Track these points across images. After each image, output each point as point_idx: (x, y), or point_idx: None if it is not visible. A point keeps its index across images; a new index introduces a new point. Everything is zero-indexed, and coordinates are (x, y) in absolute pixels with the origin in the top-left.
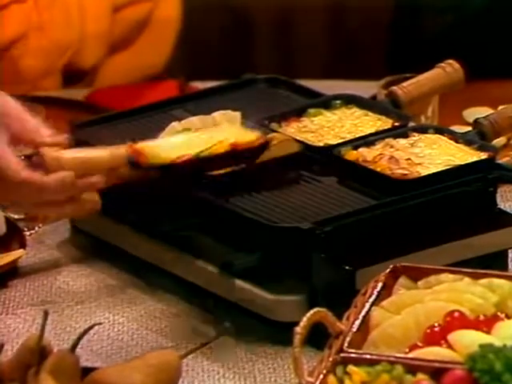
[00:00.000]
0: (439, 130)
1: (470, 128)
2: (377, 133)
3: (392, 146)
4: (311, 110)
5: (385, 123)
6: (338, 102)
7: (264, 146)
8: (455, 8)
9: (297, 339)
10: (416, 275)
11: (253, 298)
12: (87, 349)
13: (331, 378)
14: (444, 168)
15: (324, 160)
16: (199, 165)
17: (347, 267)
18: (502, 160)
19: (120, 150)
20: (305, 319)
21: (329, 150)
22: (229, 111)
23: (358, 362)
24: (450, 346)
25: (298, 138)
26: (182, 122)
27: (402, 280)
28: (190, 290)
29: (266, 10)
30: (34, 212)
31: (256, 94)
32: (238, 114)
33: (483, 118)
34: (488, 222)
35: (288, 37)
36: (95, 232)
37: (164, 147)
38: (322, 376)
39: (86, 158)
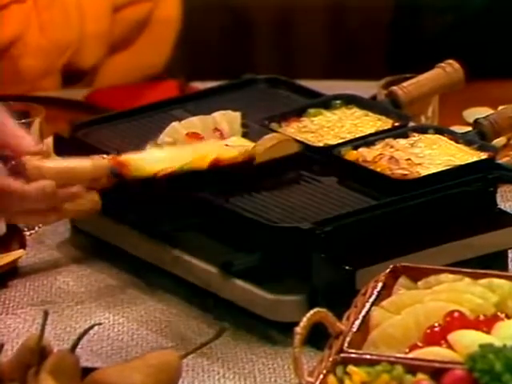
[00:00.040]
0: (439, 130)
1: (470, 128)
2: (377, 133)
3: (392, 146)
4: (311, 110)
5: (385, 123)
6: (338, 102)
7: (247, 163)
8: (455, 8)
9: (297, 339)
10: (416, 275)
11: (253, 298)
12: (87, 349)
13: (331, 378)
14: (444, 168)
15: (324, 160)
16: (181, 179)
17: (347, 267)
18: (502, 160)
19: (102, 161)
20: (305, 319)
21: (329, 150)
22: (229, 111)
23: (358, 362)
24: (450, 346)
25: (298, 138)
26: (183, 122)
27: (402, 280)
28: (190, 289)
29: (266, 9)
30: (16, 221)
31: (256, 94)
32: (238, 114)
33: (483, 118)
34: (488, 222)
35: (288, 37)
36: (95, 232)
37: (148, 160)
38: (321, 376)
39: (67, 168)
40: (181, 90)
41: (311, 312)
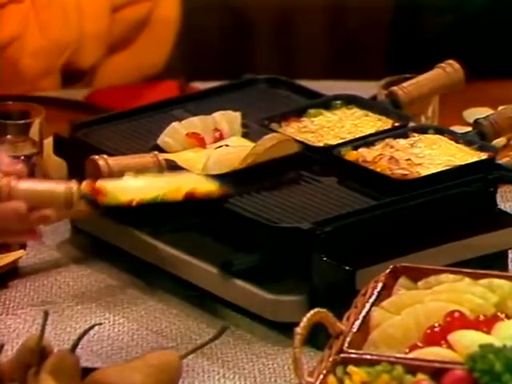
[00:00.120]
0: (439, 131)
1: (470, 128)
2: (377, 133)
3: (392, 147)
4: (311, 111)
5: (385, 123)
6: (338, 102)
7: (223, 198)
8: (455, 8)
9: (297, 339)
10: (416, 275)
11: (253, 298)
12: (87, 349)
13: (331, 379)
14: (444, 168)
15: (324, 160)
16: (154, 209)
17: (347, 267)
18: (502, 160)
19: (75, 187)
20: (305, 319)
21: (329, 150)
22: (229, 111)
23: (358, 362)
24: (450, 347)
25: (298, 138)
26: (183, 122)
27: (402, 280)
28: (190, 290)
29: (266, 9)
30: None
31: (256, 95)
32: (238, 114)
33: (483, 118)
34: (488, 222)
35: (288, 37)
36: (95, 232)
37: (122, 188)
38: (321, 376)
39: (39, 191)
40: (181, 90)
41: (311, 312)
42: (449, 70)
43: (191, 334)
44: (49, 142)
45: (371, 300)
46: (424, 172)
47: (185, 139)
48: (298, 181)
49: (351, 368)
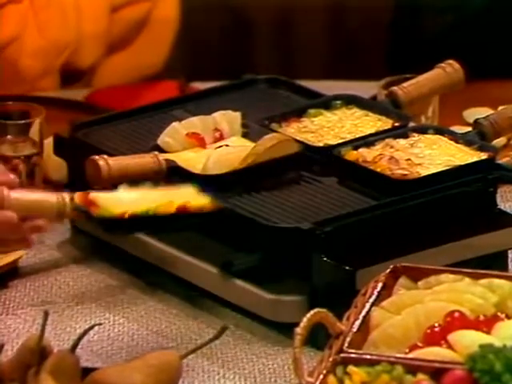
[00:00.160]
0: (439, 131)
1: (470, 128)
2: (377, 133)
3: (392, 147)
4: (311, 111)
5: (385, 123)
6: (339, 102)
7: (215, 213)
8: (455, 8)
9: (297, 340)
10: (416, 275)
11: (253, 298)
12: (87, 349)
13: (331, 379)
14: (444, 168)
15: (324, 160)
16: (145, 222)
17: (347, 267)
18: (502, 160)
19: (67, 198)
20: (305, 320)
21: (329, 150)
22: (229, 111)
23: (358, 362)
24: (450, 347)
25: (298, 138)
26: (183, 122)
27: (402, 280)
28: (190, 289)
29: (266, 9)
30: None
31: (256, 95)
32: (238, 115)
33: (483, 118)
34: (488, 222)
35: (288, 37)
36: (95, 232)
37: (115, 200)
38: (322, 376)
39: (32, 201)
40: (181, 90)
41: (311, 312)
42: (449, 69)
43: (191, 334)
44: (49, 142)
45: (371, 300)
46: (424, 172)
47: (185, 139)
48: (298, 181)
49: (351, 368)
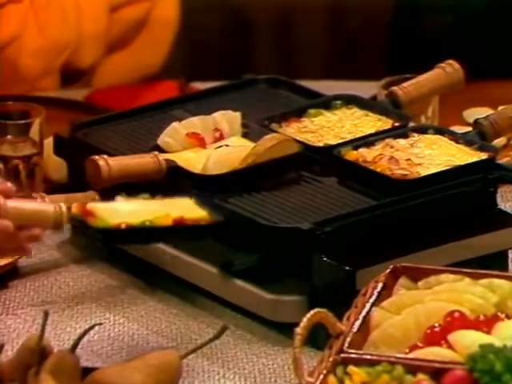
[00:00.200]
0: (439, 131)
1: (470, 128)
2: (377, 133)
3: (392, 147)
4: (311, 111)
5: (385, 123)
6: (339, 102)
7: (213, 226)
8: (455, 8)
9: (297, 340)
10: (416, 275)
11: (253, 298)
12: (87, 349)
13: (331, 379)
14: (444, 168)
15: (324, 160)
16: (142, 234)
17: (347, 267)
18: (502, 160)
19: (65, 207)
20: (305, 320)
21: (329, 150)
22: (229, 111)
23: (358, 362)
24: (450, 347)
25: (298, 138)
26: (183, 122)
27: (402, 280)
28: (190, 290)
29: (266, 9)
30: None
31: (256, 95)
32: (238, 115)
33: (483, 118)
34: (488, 222)
35: (288, 37)
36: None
37: (112, 211)
38: (322, 376)
39: (29, 210)
40: (181, 91)
41: (311, 312)
42: (449, 70)
43: (191, 334)
44: (49, 142)
45: (371, 300)
46: (424, 172)
47: (185, 139)
48: (298, 181)
49: (351, 368)
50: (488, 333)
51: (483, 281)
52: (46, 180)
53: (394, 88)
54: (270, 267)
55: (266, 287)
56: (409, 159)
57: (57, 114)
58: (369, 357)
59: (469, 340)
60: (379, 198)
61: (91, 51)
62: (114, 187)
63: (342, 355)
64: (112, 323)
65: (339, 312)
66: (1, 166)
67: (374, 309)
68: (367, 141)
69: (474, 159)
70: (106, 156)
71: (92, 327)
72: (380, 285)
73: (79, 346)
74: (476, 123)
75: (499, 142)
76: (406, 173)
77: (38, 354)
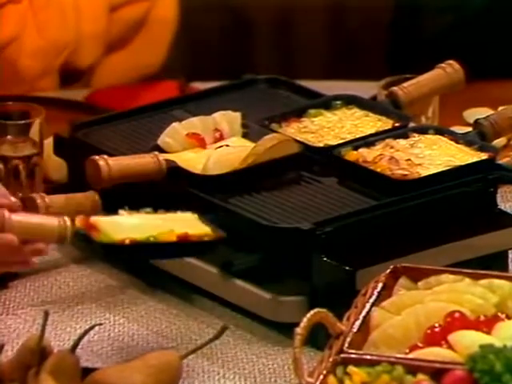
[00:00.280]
0: (439, 131)
1: (470, 129)
2: (377, 133)
3: (392, 147)
4: (311, 111)
5: (385, 124)
6: (339, 102)
7: (217, 242)
8: (455, 8)
9: (297, 340)
10: (416, 276)
11: (253, 298)
12: (87, 349)
13: (331, 379)
14: (444, 169)
15: (324, 160)
16: (146, 250)
17: (347, 267)
18: (503, 160)
19: (69, 221)
20: (305, 320)
21: (329, 150)
22: (229, 112)
23: (358, 362)
24: (450, 347)
25: (298, 138)
26: (183, 122)
27: (403, 280)
28: (190, 290)
29: (266, 9)
30: None
31: (256, 95)
32: (238, 115)
33: (483, 118)
34: (488, 222)
35: (288, 37)
36: None
37: (116, 225)
38: (322, 376)
39: (33, 224)
40: (181, 91)
41: (311, 312)
42: (449, 70)
43: (191, 334)
44: (49, 142)
45: (371, 300)
46: (424, 172)
47: (185, 139)
48: (298, 181)
49: (351, 368)
50: (488, 333)
51: (483, 281)
52: (46, 180)
53: (394, 88)
54: (270, 267)
55: (266, 287)
56: (409, 159)
57: (57, 114)
58: (369, 357)
59: (469, 340)
60: (379, 198)
61: (90, 51)
62: (114, 187)
63: (342, 355)
64: (112, 323)
65: (339, 312)
66: (1, 166)
67: (374, 309)
68: (367, 141)
69: (474, 159)
70: (106, 156)
71: (92, 327)
72: (380, 285)
73: (79, 347)
74: (476, 123)
75: (499, 142)
76: (406, 173)
77: (38, 354)
